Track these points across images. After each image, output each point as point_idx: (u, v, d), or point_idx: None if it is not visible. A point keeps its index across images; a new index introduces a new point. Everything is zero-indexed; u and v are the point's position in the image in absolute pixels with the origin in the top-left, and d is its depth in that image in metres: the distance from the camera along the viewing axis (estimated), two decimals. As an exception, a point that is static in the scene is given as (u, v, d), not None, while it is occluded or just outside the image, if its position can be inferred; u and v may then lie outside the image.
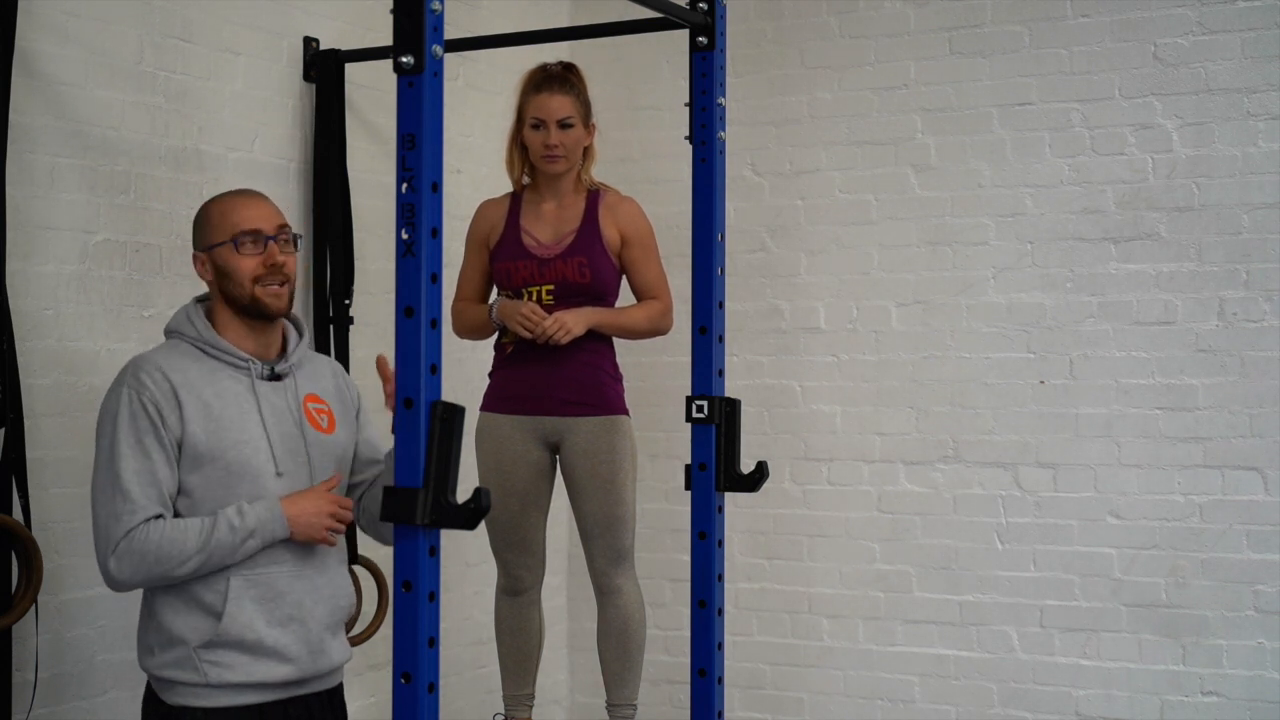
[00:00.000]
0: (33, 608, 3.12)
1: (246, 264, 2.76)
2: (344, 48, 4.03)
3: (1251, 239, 4.21)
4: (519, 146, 3.80)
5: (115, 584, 2.70)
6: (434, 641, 2.39)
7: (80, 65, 3.38)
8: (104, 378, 3.36)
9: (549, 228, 3.78)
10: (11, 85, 3.12)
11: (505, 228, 3.81)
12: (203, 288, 2.89)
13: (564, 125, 3.70)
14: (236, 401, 2.74)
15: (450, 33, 2.57)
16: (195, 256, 2.84)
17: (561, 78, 3.74)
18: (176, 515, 2.71)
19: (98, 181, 3.42)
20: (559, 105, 3.70)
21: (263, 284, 2.76)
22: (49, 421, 3.29)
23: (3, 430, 3.10)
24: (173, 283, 3.58)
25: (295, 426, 2.80)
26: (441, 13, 2.38)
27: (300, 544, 2.75)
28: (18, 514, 3.13)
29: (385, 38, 2.47)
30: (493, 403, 3.82)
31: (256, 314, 2.78)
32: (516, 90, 3.80)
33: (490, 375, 3.87)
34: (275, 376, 2.81)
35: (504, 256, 3.78)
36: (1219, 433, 4.24)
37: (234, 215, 2.79)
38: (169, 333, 2.83)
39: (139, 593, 2.80)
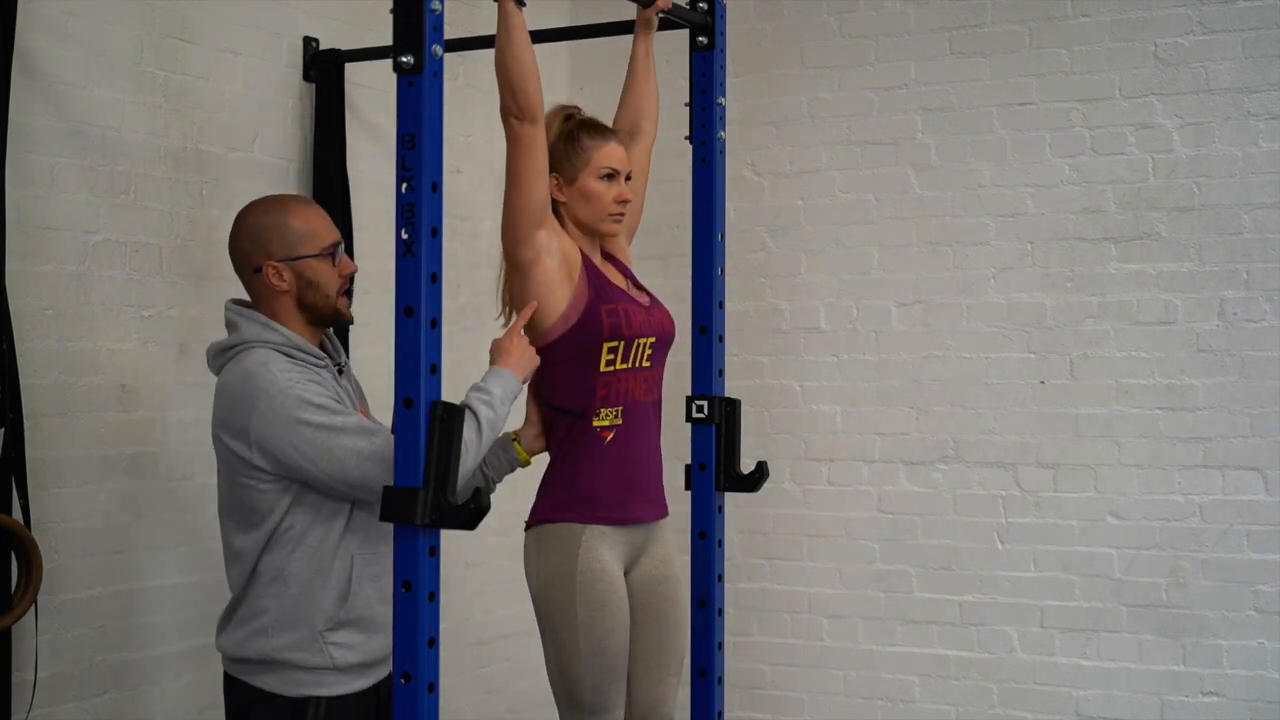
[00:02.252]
0: (33, 608, 3.12)
1: (334, 276, 2.83)
2: (344, 48, 4.02)
3: (1251, 239, 4.21)
4: (572, 195, 3.07)
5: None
6: (434, 641, 2.39)
7: (80, 65, 3.37)
8: (104, 378, 3.38)
9: (617, 277, 3.16)
10: (11, 85, 3.12)
11: (584, 264, 3.06)
12: (231, 293, 2.90)
13: (628, 178, 3.15)
14: (334, 394, 2.80)
15: (450, 33, 2.57)
16: (268, 266, 2.75)
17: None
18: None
19: (98, 181, 3.42)
20: (624, 155, 3.13)
21: (341, 294, 2.85)
22: (49, 421, 3.29)
23: (3, 430, 3.10)
24: (172, 283, 3.58)
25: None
26: (441, 13, 2.38)
27: None
28: (18, 514, 3.13)
29: (385, 38, 2.47)
30: (590, 511, 3.09)
31: (331, 322, 2.85)
32: (553, 132, 3.09)
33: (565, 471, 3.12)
34: (340, 371, 2.90)
35: (611, 297, 3.05)
36: (1219, 433, 4.24)
37: (319, 226, 2.82)
38: (246, 343, 2.74)
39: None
